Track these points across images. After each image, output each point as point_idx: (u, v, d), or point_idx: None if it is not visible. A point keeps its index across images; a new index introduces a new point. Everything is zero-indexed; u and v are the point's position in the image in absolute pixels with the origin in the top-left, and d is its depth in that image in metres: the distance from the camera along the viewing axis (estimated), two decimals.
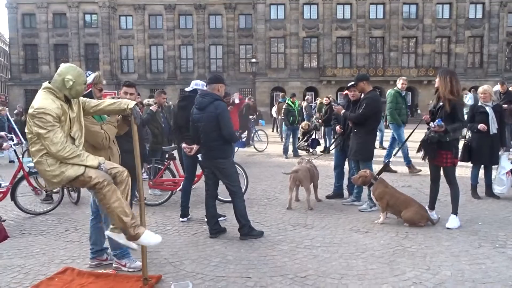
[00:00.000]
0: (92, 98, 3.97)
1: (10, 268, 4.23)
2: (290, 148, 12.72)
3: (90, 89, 4.09)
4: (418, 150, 5.56)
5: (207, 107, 4.95)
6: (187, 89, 6.26)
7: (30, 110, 3.28)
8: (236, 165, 5.56)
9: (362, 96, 6.32)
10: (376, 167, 7.17)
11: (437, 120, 5.04)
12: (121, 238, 3.54)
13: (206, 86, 5.25)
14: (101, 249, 4.29)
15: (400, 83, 9.48)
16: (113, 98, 4.77)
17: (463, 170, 8.75)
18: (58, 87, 3.36)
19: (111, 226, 3.59)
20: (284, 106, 13.03)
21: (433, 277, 3.77)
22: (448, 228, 5.13)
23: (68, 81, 3.35)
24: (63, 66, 3.46)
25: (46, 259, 4.46)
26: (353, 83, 6.54)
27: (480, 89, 6.91)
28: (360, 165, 6.20)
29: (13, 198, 6.35)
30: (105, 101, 3.71)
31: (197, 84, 6.15)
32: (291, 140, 12.74)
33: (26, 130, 3.36)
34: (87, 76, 4.07)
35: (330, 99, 13.64)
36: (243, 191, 5.48)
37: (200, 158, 5.27)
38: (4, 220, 5.92)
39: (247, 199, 5.35)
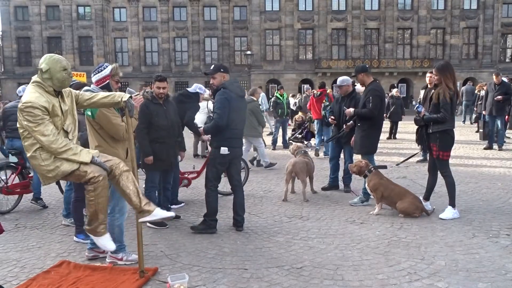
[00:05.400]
0: (110, 90, 4.00)
1: (6, 262, 4.23)
2: (280, 140, 12.90)
3: (107, 80, 4.08)
4: (416, 141, 5.65)
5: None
6: (189, 89, 6.67)
7: (19, 105, 3.26)
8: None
9: (364, 88, 6.13)
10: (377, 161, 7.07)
11: (416, 105, 5.36)
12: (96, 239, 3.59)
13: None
14: None
15: None
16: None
17: (457, 161, 8.81)
18: (43, 80, 3.33)
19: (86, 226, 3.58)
20: (272, 99, 13.47)
21: (428, 267, 3.80)
22: (441, 219, 5.18)
23: (43, 70, 3.30)
24: (41, 59, 3.43)
25: (42, 253, 4.45)
26: (339, 82, 6.64)
27: None
28: (361, 158, 6.05)
29: None
30: (98, 94, 3.66)
31: (201, 88, 6.66)
32: (280, 132, 12.91)
33: (17, 125, 3.32)
34: (104, 68, 4.08)
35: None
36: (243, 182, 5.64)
37: (227, 152, 4.91)
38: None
39: None
